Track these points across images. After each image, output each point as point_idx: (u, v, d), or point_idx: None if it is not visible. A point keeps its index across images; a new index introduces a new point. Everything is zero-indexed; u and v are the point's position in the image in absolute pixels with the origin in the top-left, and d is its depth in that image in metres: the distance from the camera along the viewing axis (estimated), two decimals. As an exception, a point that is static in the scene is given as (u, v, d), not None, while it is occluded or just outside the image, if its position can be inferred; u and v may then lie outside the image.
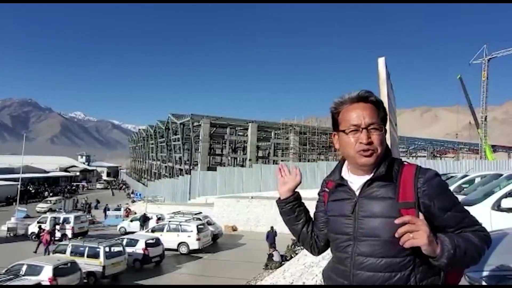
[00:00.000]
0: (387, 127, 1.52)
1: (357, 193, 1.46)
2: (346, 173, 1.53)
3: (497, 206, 5.14)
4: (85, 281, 14.92)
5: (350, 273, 1.42)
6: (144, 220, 26.71)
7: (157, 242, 18.51)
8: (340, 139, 1.49)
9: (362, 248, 1.40)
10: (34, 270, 13.32)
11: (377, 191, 1.42)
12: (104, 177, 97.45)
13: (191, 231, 20.30)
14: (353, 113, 1.44)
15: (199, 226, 20.77)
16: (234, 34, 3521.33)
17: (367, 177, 1.45)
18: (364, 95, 1.46)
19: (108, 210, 35.81)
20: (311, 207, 1.75)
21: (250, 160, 45.46)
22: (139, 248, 17.57)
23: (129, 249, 17.22)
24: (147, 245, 17.74)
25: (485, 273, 2.52)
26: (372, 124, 1.42)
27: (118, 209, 35.63)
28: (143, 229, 24.76)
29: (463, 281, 2.22)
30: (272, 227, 19.91)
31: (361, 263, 1.40)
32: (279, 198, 1.73)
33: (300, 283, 6.65)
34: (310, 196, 3.71)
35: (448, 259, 1.27)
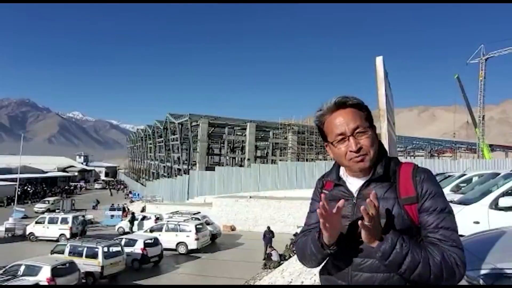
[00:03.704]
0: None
1: (355, 194, 1.46)
2: (343, 173, 1.52)
3: (494, 205, 5.20)
4: (83, 281, 14.89)
5: (348, 274, 1.41)
6: (132, 219, 26.29)
7: (156, 242, 18.48)
8: (331, 150, 1.48)
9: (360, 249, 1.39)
10: (32, 270, 13.29)
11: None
12: (103, 177, 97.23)
13: (190, 231, 20.31)
14: (336, 123, 1.42)
15: (198, 226, 20.78)
16: (233, 34, 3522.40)
17: (365, 178, 1.45)
18: (341, 101, 1.43)
19: (114, 209, 35.40)
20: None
21: (248, 159, 45.43)
22: (138, 248, 17.54)
23: (127, 249, 17.19)
24: (146, 245, 17.71)
25: (483, 271, 2.53)
26: (357, 128, 1.40)
27: (120, 209, 35.33)
28: (132, 229, 24.81)
29: (462, 281, 2.23)
30: (268, 227, 19.88)
31: (359, 264, 1.39)
32: (323, 242, 1.41)
33: (299, 283, 6.65)
34: (309, 196, 3.70)
35: (383, 254, 1.26)
